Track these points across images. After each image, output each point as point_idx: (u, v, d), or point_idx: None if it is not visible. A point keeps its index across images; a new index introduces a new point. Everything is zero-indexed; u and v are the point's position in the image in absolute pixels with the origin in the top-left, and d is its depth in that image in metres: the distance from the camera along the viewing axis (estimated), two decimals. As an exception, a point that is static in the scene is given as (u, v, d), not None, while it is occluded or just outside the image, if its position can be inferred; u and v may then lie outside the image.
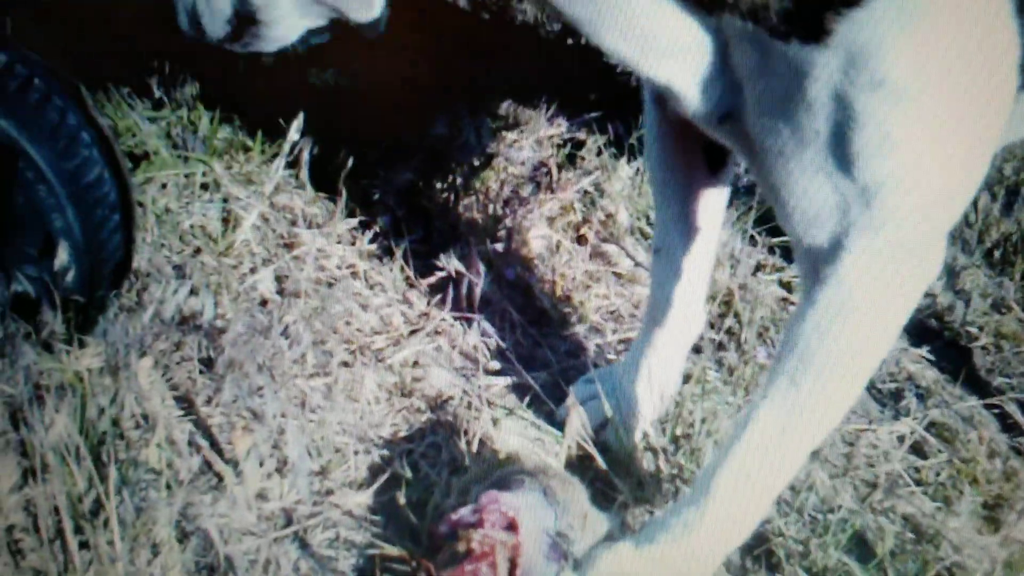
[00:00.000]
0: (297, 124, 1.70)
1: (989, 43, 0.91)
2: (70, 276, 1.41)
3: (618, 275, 1.82)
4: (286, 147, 1.74)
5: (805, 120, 0.94)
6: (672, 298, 1.37)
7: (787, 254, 1.87)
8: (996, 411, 1.65)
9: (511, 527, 1.16)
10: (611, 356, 1.63)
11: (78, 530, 1.15)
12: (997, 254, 1.94)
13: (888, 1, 0.87)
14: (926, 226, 0.99)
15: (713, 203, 1.32)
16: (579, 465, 1.40)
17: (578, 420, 1.39)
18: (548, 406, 1.50)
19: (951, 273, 1.88)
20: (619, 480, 1.36)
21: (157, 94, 1.85)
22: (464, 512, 1.20)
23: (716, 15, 0.95)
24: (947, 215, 1.01)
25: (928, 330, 1.80)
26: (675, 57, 0.99)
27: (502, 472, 1.29)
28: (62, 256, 1.40)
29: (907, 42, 0.88)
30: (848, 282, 1.00)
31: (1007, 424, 1.63)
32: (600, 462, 1.37)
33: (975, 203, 1.99)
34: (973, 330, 1.79)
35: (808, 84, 0.92)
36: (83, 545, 1.14)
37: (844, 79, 0.90)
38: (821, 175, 0.96)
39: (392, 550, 1.21)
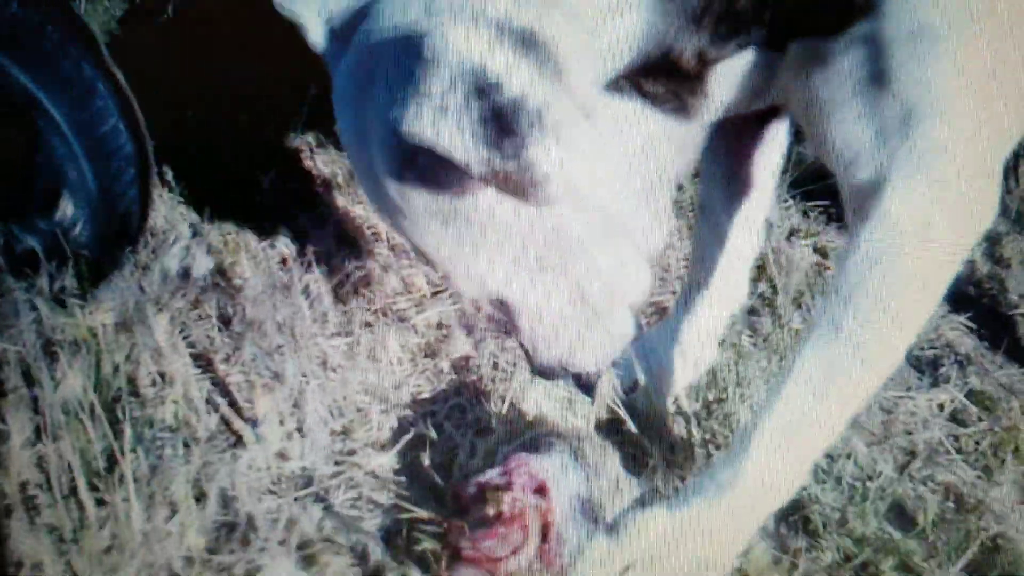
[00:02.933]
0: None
1: None
2: (83, 230, 1.38)
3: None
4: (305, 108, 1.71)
5: (848, 69, 0.91)
6: (713, 260, 1.32)
7: (822, 218, 1.82)
8: (1037, 380, 1.59)
9: (540, 490, 1.11)
10: (642, 321, 1.58)
11: (92, 487, 1.11)
12: (1038, 221, 1.88)
13: None
14: (975, 161, 0.93)
15: (765, 161, 1.26)
16: (609, 429, 1.35)
17: (609, 383, 1.34)
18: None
19: (991, 240, 1.83)
20: (650, 445, 1.31)
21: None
22: (492, 474, 1.15)
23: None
24: (996, 148, 0.95)
25: (967, 297, 1.74)
26: None
27: (530, 434, 1.25)
28: (75, 209, 1.36)
29: None
30: (892, 218, 0.95)
31: (1049, 394, 1.58)
32: (631, 426, 1.33)
33: (1016, 169, 1.94)
34: (1014, 297, 1.74)
35: (849, 49, 0.91)
36: (99, 503, 1.11)
37: (885, 32, 0.88)
38: (862, 106, 0.92)
39: (421, 512, 1.17)
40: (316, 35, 0.97)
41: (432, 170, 0.87)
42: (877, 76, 0.90)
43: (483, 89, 0.79)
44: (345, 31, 0.95)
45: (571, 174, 0.86)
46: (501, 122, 0.78)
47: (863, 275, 0.98)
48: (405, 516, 1.16)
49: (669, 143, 0.96)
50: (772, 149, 1.25)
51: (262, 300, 1.36)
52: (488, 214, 0.91)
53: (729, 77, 0.95)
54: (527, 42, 0.82)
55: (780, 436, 1.05)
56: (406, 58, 0.84)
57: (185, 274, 1.42)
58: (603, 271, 1.01)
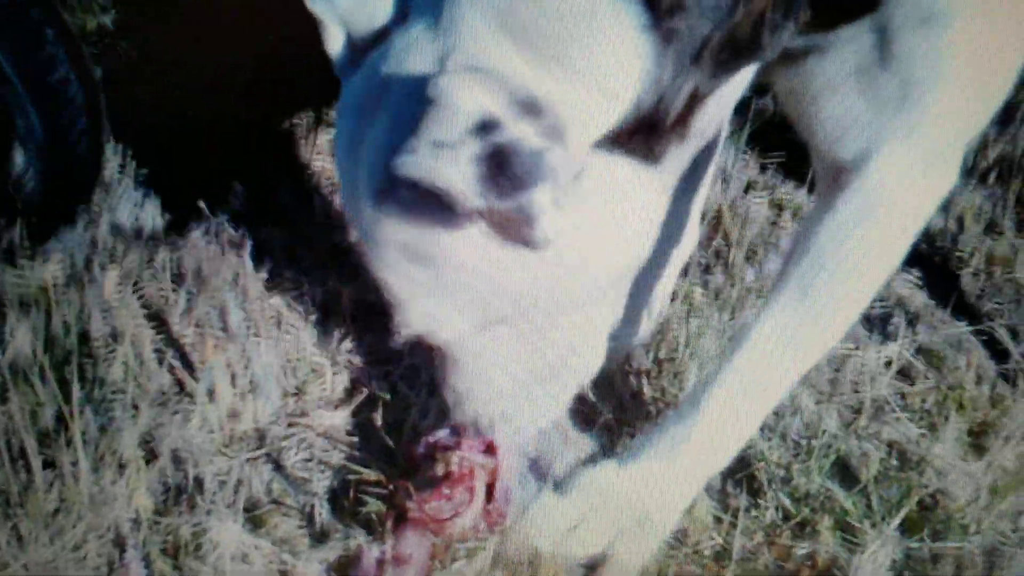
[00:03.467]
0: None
1: None
2: (33, 182, 1.36)
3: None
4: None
5: (849, 54, 0.95)
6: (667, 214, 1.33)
7: (780, 172, 1.82)
8: (984, 337, 1.62)
9: (489, 449, 1.13)
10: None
11: (41, 449, 1.11)
12: (992, 176, 1.89)
13: None
14: (955, 130, 0.98)
15: (718, 116, 1.26)
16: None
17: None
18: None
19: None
20: (600, 402, 1.33)
21: None
22: (442, 433, 1.17)
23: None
24: (974, 119, 1.00)
25: (918, 253, 1.76)
26: None
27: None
28: (25, 160, 1.34)
29: None
30: (873, 186, 0.99)
31: (996, 350, 1.60)
32: (581, 384, 1.34)
33: (972, 123, 1.95)
34: (964, 254, 1.76)
35: (856, 37, 0.93)
36: (47, 464, 1.11)
37: (895, 21, 0.91)
38: (861, 85, 0.95)
39: (368, 473, 1.19)
40: (334, 42, 0.95)
41: (413, 206, 0.86)
42: (881, 59, 0.93)
43: (483, 128, 0.78)
44: (360, 47, 0.94)
45: (559, 231, 0.83)
46: (499, 160, 0.78)
47: (841, 240, 1.01)
48: (353, 478, 1.17)
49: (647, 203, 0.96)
50: (727, 97, 1.25)
51: (214, 256, 1.36)
52: (458, 263, 0.90)
53: (713, 105, 0.94)
54: (531, 104, 0.81)
55: (733, 395, 1.08)
56: (412, 98, 0.83)
57: (137, 229, 1.40)
58: (561, 342, 1.00)
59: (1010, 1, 0.93)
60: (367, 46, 0.93)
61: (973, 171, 1.89)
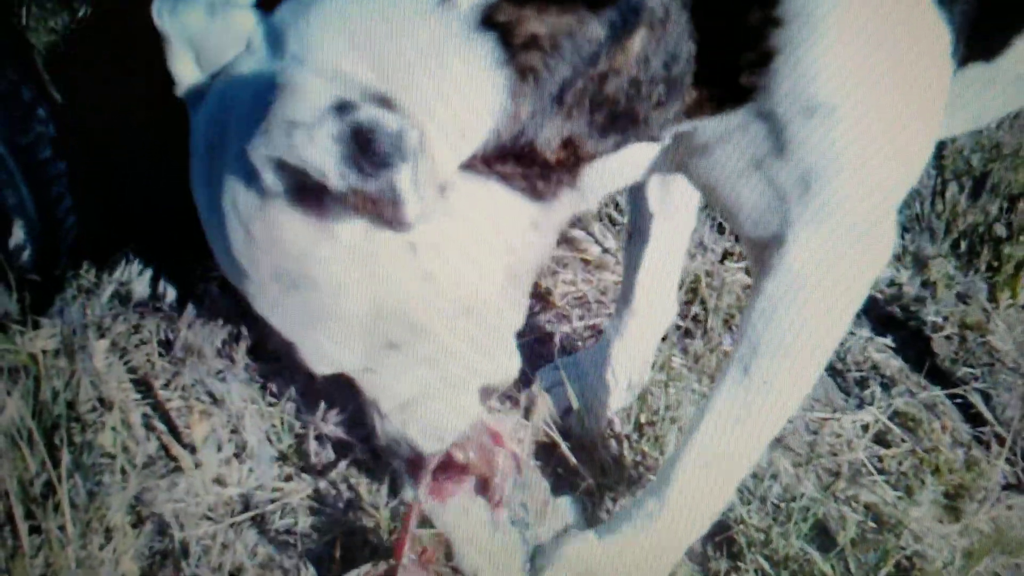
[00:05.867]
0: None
1: (912, 36, 0.92)
2: (25, 255, 1.38)
3: (586, 261, 1.81)
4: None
5: (746, 142, 0.95)
6: (644, 284, 1.36)
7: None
8: (959, 401, 1.65)
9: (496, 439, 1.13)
10: (578, 343, 1.62)
11: (29, 515, 1.12)
12: (964, 244, 1.94)
13: (797, 26, 0.88)
14: (870, 209, 0.98)
15: (689, 187, 1.30)
16: (543, 453, 1.38)
17: (544, 407, 1.38)
18: (513, 393, 1.49)
19: (918, 263, 1.89)
20: (583, 467, 1.35)
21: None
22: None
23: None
24: (890, 196, 1.00)
25: (893, 319, 1.80)
26: None
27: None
28: (16, 234, 1.37)
29: (828, 61, 0.89)
30: (794, 269, 1.00)
31: (969, 414, 1.64)
32: (564, 449, 1.36)
33: (943, 193, 2.00)
34: (938, 320, 1.80)
35: (749, 124, 0.94)
36: (34, 530, 1.12)
37: (779, 111, 0.91)
38: (761, 174, 0.96)
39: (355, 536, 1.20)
40: (180, 65, 0.92)
41: (281, 218, 0.85)
42: (775, 149, 0.93)
43: (341, 108, 0.78)
44: (208, 73, 0.92)
45: (423, 216, 0.83)
46: (360, 140, 0.77)
47: (767, 321, 1.03)
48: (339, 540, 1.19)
49: (525, 224, 0.96)
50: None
51: (201, 324, 1.38)
52: (336, 284, 0.89)
53: (608, 171, 0.96)
54: (385, 100, 0.82)
55: (701, 467, 1.09)
56: (259, 93, 0.83)
57: (126, 298, 1.43)
58: (466, 351, 1.00)
59: (903, 77, 0.93)
60: (214, 73, 0.91)
61: (944, 241, 1.94)
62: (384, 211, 0.80)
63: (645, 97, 0.91)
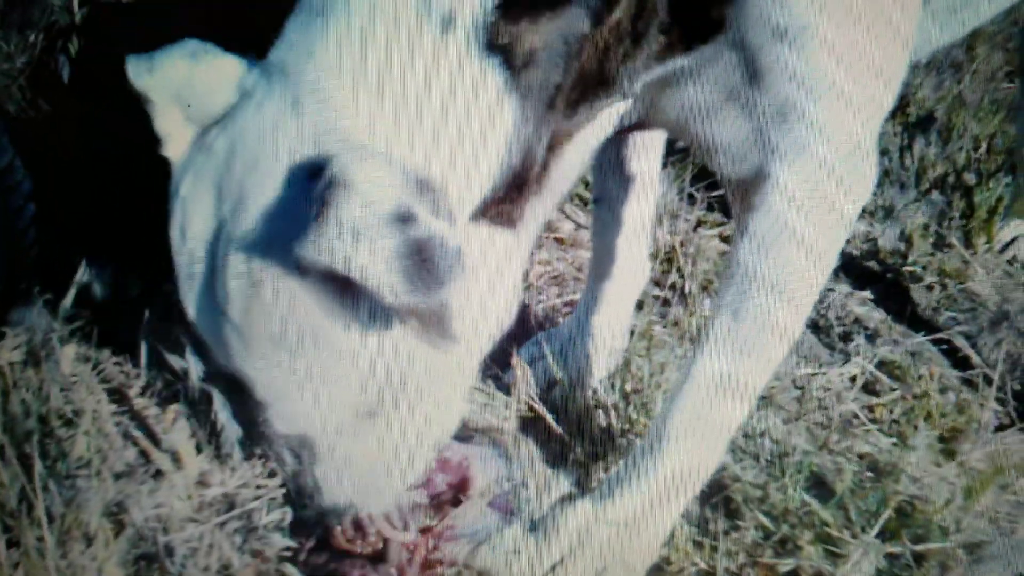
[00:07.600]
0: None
1: None
2: (-17, 267, 1.35)
3: (559, 240, 1.79)
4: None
5: (720, 74, 0.94)
6: (614, 249, 1.35)
7: (726, 209, 1.85)
8: (944, 347, 1.64)
9: (461, 486, 1.12)
10: (558, 319, 1.60)
11: (5, 528, 1.09)
12: (936, 194, 1.94)
13: None
14: (850, 137, 0.97)
15: (650, 147, 1.29)
16: (531, 427, 1.36)
17: (525, 381, 1.36)
18: (494, 371, 1.47)
19: (891, 214, 1.88)
20: (571, 438, 1.33)
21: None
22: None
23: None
24: (869, 121, 0.99)
25: (872, 273, 1.79)
26: None
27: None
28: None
29: None
30: (779, 205, 0.98)
31: (956, 359, 1.63)
32: (551, 421, 1.34)
33: (910, 146, 2.00)
34: (916, 270, 1.79)
35: (720, 56, 0.92)
36: (11, 543, 1.09)
37: (749, 38, 0.90)
38: (738, 107, 0.95)
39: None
40: (167, 122, 0.90)
41: (306, 292, 0.83)
42: (749, 78, 0.92)
43: (403, 220, 0.76)
44: (199, 125, 0.89)
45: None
46: (422, 256, 0.76)
47: (758, 261, 1.01)
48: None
49: (518, 258, 0.95)
50: (654, 135, 1.28)
51: (169, 327, 1.35)
52: (338, 350, 0.87)
53: (572, 151, 0.94)
54: (425, 184, 0.80)
55: (693, 420, 1.07)
56: (291, 182, 0.81)
57: (89, 304, 1.40)
58: (410, 421, 0.97)
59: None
60: (207, 125, 0.89)
61: (916, 189, 1.93)
62: (434, 327, 0.78)
63: (613, 57, 0.89)
